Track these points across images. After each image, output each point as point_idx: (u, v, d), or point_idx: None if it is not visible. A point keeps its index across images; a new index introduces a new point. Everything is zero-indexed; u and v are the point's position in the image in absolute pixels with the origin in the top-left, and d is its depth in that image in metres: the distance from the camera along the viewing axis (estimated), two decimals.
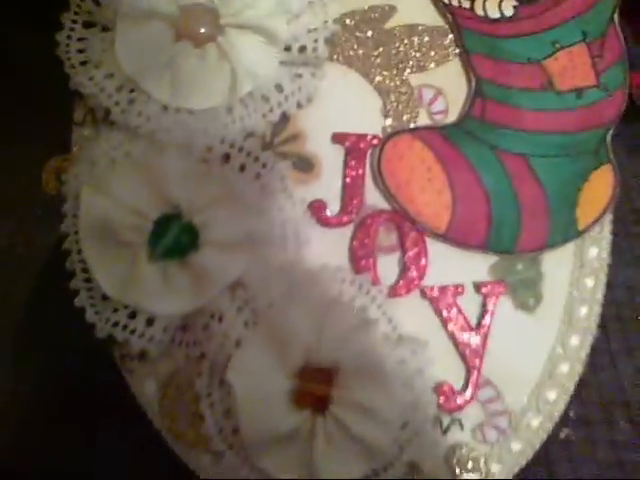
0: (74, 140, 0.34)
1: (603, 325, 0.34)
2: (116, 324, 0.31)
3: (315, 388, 0.30)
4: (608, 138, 0.32)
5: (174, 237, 0.31)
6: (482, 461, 0.32)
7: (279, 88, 0.32)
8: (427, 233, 0.32)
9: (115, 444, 0.35)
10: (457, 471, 0.31)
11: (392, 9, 0.33)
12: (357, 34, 0.33)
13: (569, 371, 0.32)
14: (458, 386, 0.32)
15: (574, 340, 0.32)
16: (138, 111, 0.32)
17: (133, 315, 0.31)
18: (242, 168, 0.32)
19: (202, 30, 0.32)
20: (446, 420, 0.32)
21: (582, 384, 0.34)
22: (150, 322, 0.31)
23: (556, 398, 0.32)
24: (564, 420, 0.33)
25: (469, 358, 0.32)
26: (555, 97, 0.32)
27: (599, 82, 0.32)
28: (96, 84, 0.32)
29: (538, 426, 0.32)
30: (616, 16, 0.32)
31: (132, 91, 0.32)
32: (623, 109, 0.32)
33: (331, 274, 0.31)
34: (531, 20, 0.33)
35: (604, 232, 0.33)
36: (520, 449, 0.32)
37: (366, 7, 0.33)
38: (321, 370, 0.31)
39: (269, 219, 0.31)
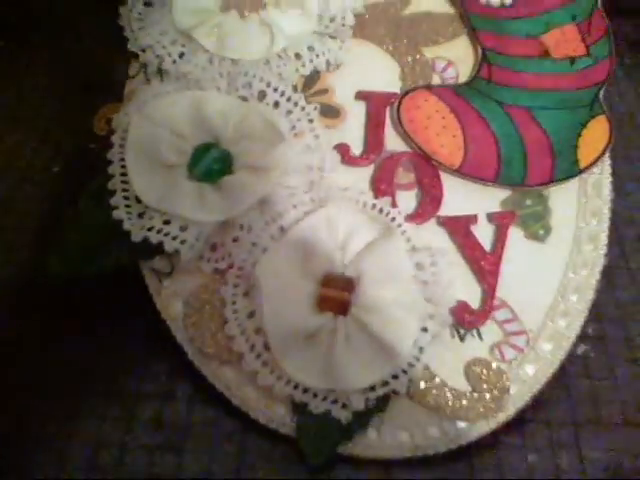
0: (126, 92, 0.39)
1: (622, 245, 0.37)
2: (151, 229, 0.33)
3: (337, 294, 0.32)
4: (600, 95, 0.37)
5: (211, 162, 0.35)
6: (504, 377, 0.32)
7: (311, 49, 0.38)
8: (442, 169, 0.36)
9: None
10: (476, 384, 0.32)
11: (408, 1, 0.40)
12: (378, 17, 0.39)
13: (580, 296, 0.34)
14: (475, 306, 0.34)
15: (583, 270, 0.35)
16: (187, 60, 0.37)
17: (167, 223, 0.34)
18: (276, 105, 0.36)
19: (246, 13, 0.39)
20: (464, 331, 0.33)
21: (600, 302, 0.36)
22: (184, 228, 0.33)
23: (570, 321, 0.33)
24: (582, 336, 0.34)
25: (485, 280, 0.34)
26: (551, 63, 0.38)
27: (589, 52, 0.38)
28: (152, 38, 0.37)
29: (554, 347, 0.33)
30: (599, 1, 0.39)
31: (183, 46, 0.38)
32: (611, 73, 0.37)
33: (354, 195, 0.35)
34: (527, 7, 0.39)
35: (604, 173, 0.36)
36: (537, 370, 0.33)
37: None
38: (343, 278, 0.33)
39: (297, 150, 0.35)
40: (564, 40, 0.38)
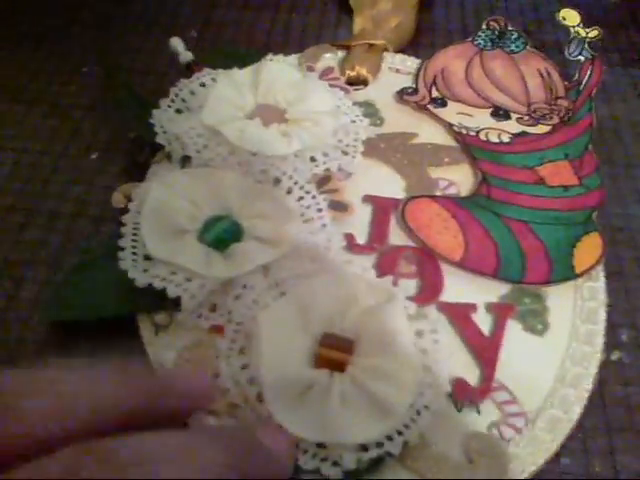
0: (148, 175, 0.42)
1: None
2: (155, 277, 0.34)
3: (335, 355, 0.32)
4: (593, 216, 0.40)
5: (222, 232, 0.37)
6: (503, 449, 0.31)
7: (325, 154, 0.42)
8: (443, 261, 0.37)
9: None
10: (474, 456, 0.31)
11: (415, 134, 0.45)
12: (387, 142, 0.44)
13: (578, 385, 0.34)
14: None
15: (581, 363, 0.35)
16: (211, 150, 0.41)
17: (173, 274, 0.34)
18: (289, 191, 0.39)
19: (269, 123, 0.43)
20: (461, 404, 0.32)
21: (634, 308, 0.38)
22: (188, 279, 0.34)
23: (568, 407, 0.33)
24: (616, 343, 0.37)
25: (483, 363, 0.34)
26: (546, 189, 0.41)
27: (581, 183, 0.41)
28: (180, 128, 0.41)
29: (553, 432, 0.32)
30: (590, 146, 0.43)
31: (208, 139, 0.41)
32: (603, 201, 0.41)
33: (356, 268, 0.36)
34: (523, 145, 0.44)
35: (599, 282, 0.38)
36: (535, 451, 0.32)
37: (395, 132, 0.45)
38: (342, 338, 0.33)
39: (305, 231, 0.37)
40: (557, 172, 0.42)
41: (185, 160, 0.42)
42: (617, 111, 0.50)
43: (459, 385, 0.33)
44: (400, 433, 0.31)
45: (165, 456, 0.20)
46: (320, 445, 0.30)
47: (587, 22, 0.49)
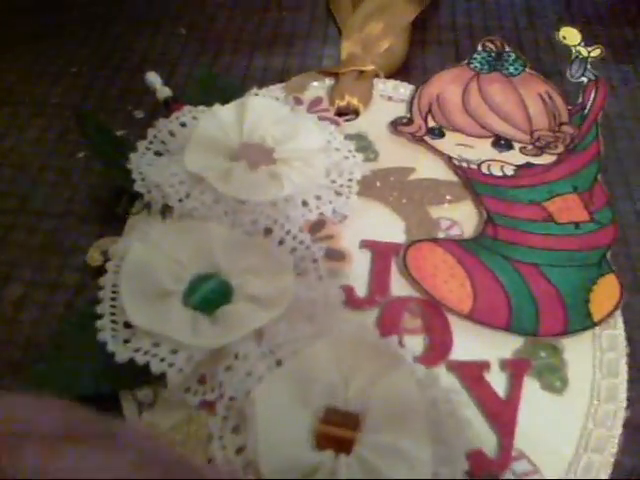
0: (127, 227, 0.38)
1: None
2: (138, 350, 0.31)
3: (339, 432, 0.29)
4: (608, 255, 0.37)
5: (209, 292, 0.34)
6: None
7: (318, 197, 0.38)
8: (452, 313, 0.34)
9: None
10: None
11: (412, 169, 0.42)
12: (384, 179, 0.41)
13: (602, 449, 0.31)
14: (490, 456, 0.30)
15: (605, 423, 0.32)
16: (194, 198, 0.37)
17: (157, 346, 0.31)
18: (281, 242, 0.36)
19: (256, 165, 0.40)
20: None
21: (625, 308, 0.36)
22: (173, 351, 0.31)
23: (594, 475, 0.30)
24: None
25: (500, 430, 0.31)
26: (556, 226, 0.38)
27: (592, 219, 0.38)
28: (161, 176, 0.38)
29: None
30: (600, 176, 0.41)
31: (191, 187, 0.38)
32: (617, 237, 0.38)
33: (358, 328, 0.33)
34: (529, 178, 0.41)
35: (618, 329, 0.35)
36: None
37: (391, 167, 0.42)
38: (347, 413, 0.30)
39: (300, 287, 0.34)
40: (567, 207, 0.39)
41: (166, 210, 0.39)
42: (608, 106, 0.46)
43: (476, 459, 0.30)
44: None
45: None
46: None
47: (579, 20, 0.47)
